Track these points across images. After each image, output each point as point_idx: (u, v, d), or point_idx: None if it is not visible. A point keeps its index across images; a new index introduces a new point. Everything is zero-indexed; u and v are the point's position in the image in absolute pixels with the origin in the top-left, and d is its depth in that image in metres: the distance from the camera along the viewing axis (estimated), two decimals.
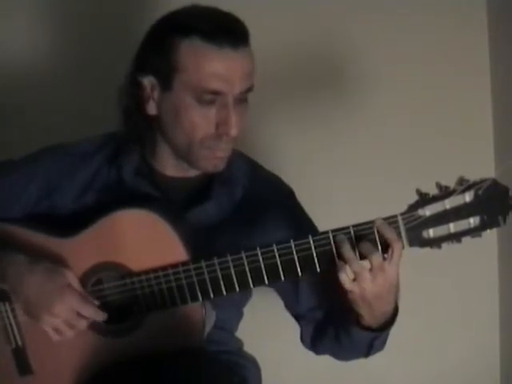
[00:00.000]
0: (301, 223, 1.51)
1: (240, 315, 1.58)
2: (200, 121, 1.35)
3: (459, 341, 2.10)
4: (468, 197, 1.22)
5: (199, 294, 1.33)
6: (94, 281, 1.37)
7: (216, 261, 1.31)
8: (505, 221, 1.22)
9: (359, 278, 1.24)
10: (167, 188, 1.46)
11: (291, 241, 1.29)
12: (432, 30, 2.01)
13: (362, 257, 1.25)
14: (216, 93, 1.33)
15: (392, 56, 2.02)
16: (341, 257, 1.26)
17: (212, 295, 1.33)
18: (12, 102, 1.97)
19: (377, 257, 1.23)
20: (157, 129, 1.43)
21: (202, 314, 1.36)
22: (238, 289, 1.32)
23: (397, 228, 1.25)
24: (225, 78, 1.32)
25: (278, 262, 1.29)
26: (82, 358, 1.39)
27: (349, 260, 1.24)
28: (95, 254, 1.37)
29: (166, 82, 1.36)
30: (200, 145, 1.37)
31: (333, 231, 1.27)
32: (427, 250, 1.27)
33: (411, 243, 1.26)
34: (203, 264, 1.32)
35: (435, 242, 1.25)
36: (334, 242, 1.26)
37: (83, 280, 1.37)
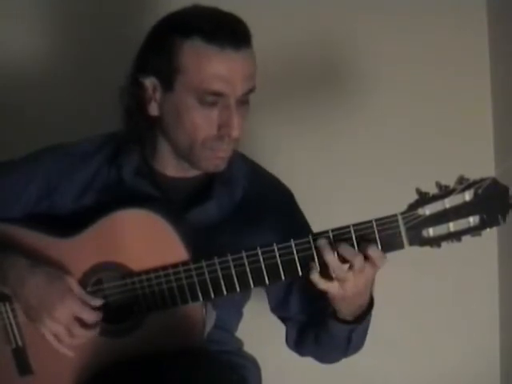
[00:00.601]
0: (297, 226, 1.51)
1: (240, 315, 1.59)
2: (202, 122, 1.35)
3: (459, 341, 2.10)
4: (468, 196, 1.21)
5: (200, 294, 1.33)
6: (94, 281, 1.37)
7: (217, 261, 1.31)
8: (504, 220, 1.22)
9: (343, 280, 1.25)
10: (167, 188, 1.46)
11: (292, 240, 1.29)
12: (432, 30, 2.01)
13: (344, 260, 1.26)
14: (218, 94, 1.33)
15: (392, 56, 2.02)
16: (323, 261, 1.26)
17: (213, 295, 1.33)
18: (12, 102, 1.97)
19: (358, 260, 1.24)
20: (158, 129, 1.43)
21: (203, 313, 1.36)
22: (238, 289, 1.32)
23: (397, 227, 1.25)
24: (227, 79, 1.32)
25: (279, 262, 1.29)
26: (82, 358, 1.38)
27: (335, 266, 1.25)
28: (95, 253, 1.37)
29: (167, 82, 1.36)
30: (202, 145, 1.37)
31: (333, 230, 1.27)
32: (427, 249, 1.27)
33: (411, 242, 1.26)
34: (204, 264, 1.32)
35: (435, 241, 1.25)
36: (315, 246, 1.27)
37: (83, 280, 1.37)
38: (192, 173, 1.46)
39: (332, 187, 2.03)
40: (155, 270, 1.34)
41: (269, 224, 1.46)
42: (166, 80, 1.36)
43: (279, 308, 1.54)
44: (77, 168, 1.47)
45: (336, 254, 1.25)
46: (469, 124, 2.05)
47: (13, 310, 1.40)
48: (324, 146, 2.04)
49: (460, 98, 2.03)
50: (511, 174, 1.30)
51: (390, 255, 1.27)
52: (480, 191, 1.21)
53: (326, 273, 1.27)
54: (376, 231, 1.26)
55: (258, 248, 1.30)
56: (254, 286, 1.32)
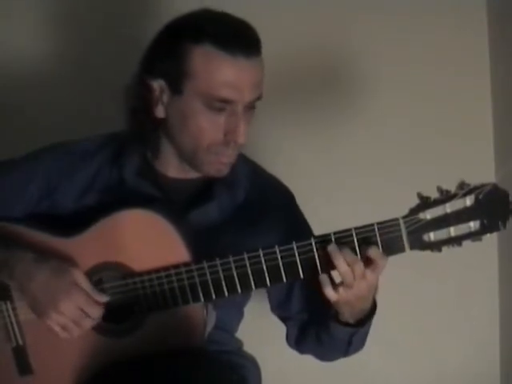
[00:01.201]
0: (299, 227, 1.51)
1: (241, 315, 1.59)
2: (208, 127, 1.35)
3: (459, 341, 2.10)
4: (469, 201, 1.22)
5: (201, 295, 1.33)
6: (95, 280, 1.37)
7: (218, 262, 1.31)
8: (505, 225, 1.23)
9: (346, 286, 1.26)
10: (169, 189, 1.46)
11: (293, 243, 1.29)
12: (432, 30, 2.01)
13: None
14: (226, 101, 1.33)
15: (392, 56, 2.02)
16: (331, 266, 1.26)
17: (214, 296, 1.33)
18: (12, 102, 1.97)
19: (359, 266, 1.24)
20: (162, 131, 1.42)
21: (204, 315, 1.36)
22: (240, 290, 1.32)
23: (398, 231, 1.26)
24: (236, 86, 1.32)
25: (281, 264, 1.30)
26: (82, 358, 1.38)
27: (345, 273, 1.25)
28: (97, 253, 1.37)
29: (175, 86, 1.35)
30: (206, 150, 1.37)
31: (335, 233, 1.28)
32: (428, 252, 1.27)
33: (412, 246, 1.26)
34: (205, 265, 1.32)
35: (436, 246, 1.26)
36: (326, 251, 1.27)
37: None
38: (193, 174, 1.46)
39: (332, 187, 2.03)
40: (157, 270, 1.34)
41: (270, 225, 1.46)
42: (175, 83, 1.35)
43: (280, 308, 1.54)
44: (77, 167, 1.47)
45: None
46: (469, 124, 2.05)
47: (14, 309, 1.40)
48: (324, 146, 2.04)
49: (460, 97, 2.03)
50: (511, 179, 1.30)
51: (392, 257, 1.28)
52: (481, 196, 1.22)
53: (329, 277, 1.28)
54: (377, 235, 1.26)
55: (260, 250, 1.30)
56: (256, 287, 1.32)
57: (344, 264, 1.25)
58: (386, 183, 2.00)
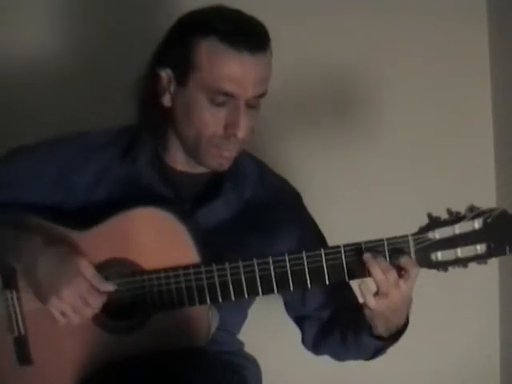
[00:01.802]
0: (307, 226, 1.52)
1: (244, 316, 1.58)
2: (210, 119, 1.36)
3: (459, 341, 2.11)
4: (477, 224, 1.25)
5: (208, 297, 1.33)
6: (103, 276, 1.37)
7: (228, 266, 1.32)
8: (511, 250, 1.25)
9: (382, 294, 1.27)
10: (178, 182, 1.46)
11: (303, 252, 1.30)
12: (432, 30, 2.01)
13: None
14: (229, 95, 1.34)
15: (392, 56, 2.02)
16: (358, 274, 1.29)
17: (220, 299, 1.33)
18: (12, 102, 1.97)
19: (392, 274, 1.25)
20: (170, 124, 1.44)
21: (208, 317, 1.36)
22: (246, 295, 1.33)
23: (407, 248, 1.28)
24: (239, 81, 1.33)
25: (289, 272, 1.31)
26: (83, 353, 1.38)
27: (380, 281, 1.26)
28: (108, 249, 1.37)
29: (181, 77, 1.37)
30: (208, 142, 1.38)
31: (344, 246, 1.29)
32: None
33: (420, 264, 1.28)
34: (214, 268, 1.32)
35: (442, 266, 1.28)
36: (354, 258, 1.29)
37: None
38: (201, 169, 1.46)
39: (332, 187, 2.03)
40: (165, 270, 1.34)
41: (278, 224, 1.47)
42: (181, 74, 1.37)
43: (297, 306, 1.54)
44: (88, 158, 1.47)
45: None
46: (469, 124, 2.05)
47: (19, 299, 1.40)
48: (324, 146, 2.04)
49: (460, 97, 2.03)
50: None
51: None
52: (489, 220, 1.24)
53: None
54: (386, 250, 1.28)
55: (270, 257, 1.31)
56: (263, 293, 1.33)
57: (380, 272, 1.26)
58: (386, 184, 2.00)
